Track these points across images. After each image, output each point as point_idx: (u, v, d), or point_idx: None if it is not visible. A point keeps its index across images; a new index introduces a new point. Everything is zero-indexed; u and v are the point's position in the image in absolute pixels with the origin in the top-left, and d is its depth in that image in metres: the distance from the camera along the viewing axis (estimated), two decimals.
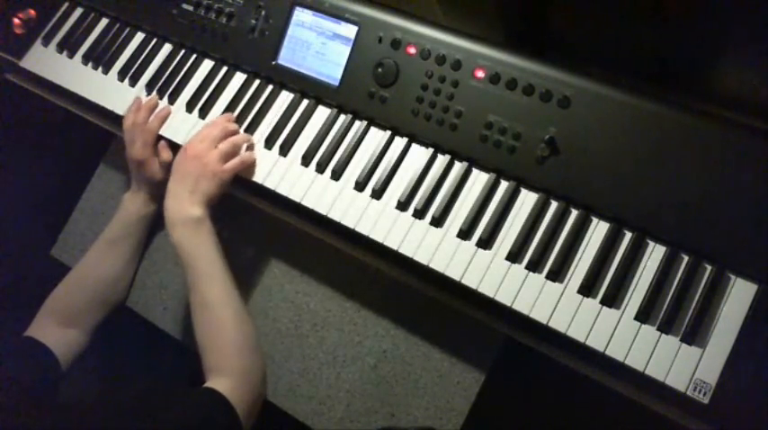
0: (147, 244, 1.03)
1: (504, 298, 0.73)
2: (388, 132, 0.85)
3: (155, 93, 0.98)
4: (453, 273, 0.76)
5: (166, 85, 0.97)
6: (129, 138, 0.95)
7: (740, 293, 0.67)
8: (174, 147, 0.94)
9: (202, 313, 0.80)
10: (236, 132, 0.89)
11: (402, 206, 0.81)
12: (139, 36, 1.04)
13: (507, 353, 0.85)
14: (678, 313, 0.68)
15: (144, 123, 0.94)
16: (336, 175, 0.85)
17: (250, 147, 0.88)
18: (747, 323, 0.66)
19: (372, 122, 0.87)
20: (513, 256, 0.75)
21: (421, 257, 0.78)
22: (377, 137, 0.86)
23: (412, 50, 0.83)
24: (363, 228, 0.81)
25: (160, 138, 0.95)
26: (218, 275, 0.81)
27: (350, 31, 0.87)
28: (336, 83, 0.87)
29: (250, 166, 0.87)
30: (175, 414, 0.71)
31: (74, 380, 0.93)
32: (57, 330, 0.90)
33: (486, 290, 0.74)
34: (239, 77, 0.95)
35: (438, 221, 0.79)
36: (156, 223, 1.02)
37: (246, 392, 0.76)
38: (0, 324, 1.10)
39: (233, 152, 0.86)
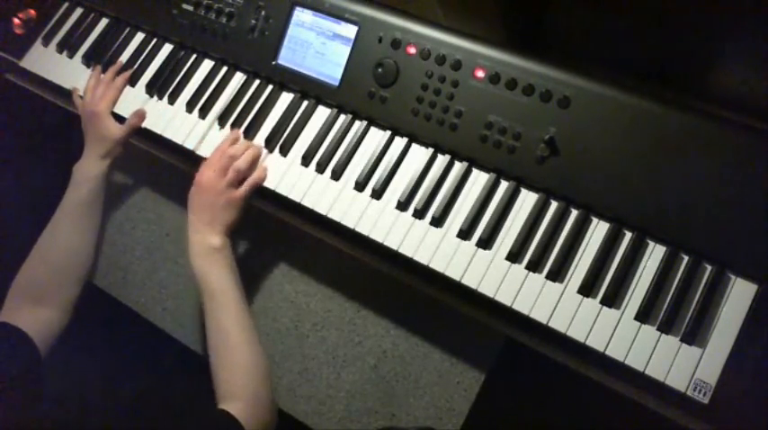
0: (105, 209, 1.03)
1: (504, 298, 0.73)
2: (388, 132, 0.85)
3: (120, 60, 1.00)
4: (453, 273, 0.76)
5: (166, 85, 0.98)
6: (87, 96, 0.98)
7: (740, 293, 0.67)
8: (175, 148, 0.94)
9: (218, 339, 0.81)
10: (244, 151, 0.88)
11: (402, 206, 0.81)
12: (139, 36, 1.04)
13: (507, 353, 0.85)
14: (678, 313, 0.68)
15: (109, 81, 0.98)
16: (336, 175, 0.85)
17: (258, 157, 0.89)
18: (747, 323, 0.66)
19: (372, 122, 0.87)
20: (513, 256, 0.75)
21: (421, 257, 0.78)
22: (377, 137, 0.86)
23: (412, 50, 0.83)
24: (363, 228, 0.81)
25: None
26: (234, 303, 0.83)
27: (350, 31, 0.87)
28: (336, 83, 0.87)
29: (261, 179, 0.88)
30: None
31: (73, 381, 0.93)
32: (28, 311, 0.89)
33: (486, 290, 0.74)
34: (239, 77, 0.95)
35: (438, 221, 0.79)
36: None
37: (258, 416, 0.76)
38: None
39: (244, 174, 0.87)
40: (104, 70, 1.02)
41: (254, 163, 0.88)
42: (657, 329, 0.68)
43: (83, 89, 1.01)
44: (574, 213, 0.75)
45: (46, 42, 1.07)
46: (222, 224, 0.85)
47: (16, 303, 0.91)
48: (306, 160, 0.87)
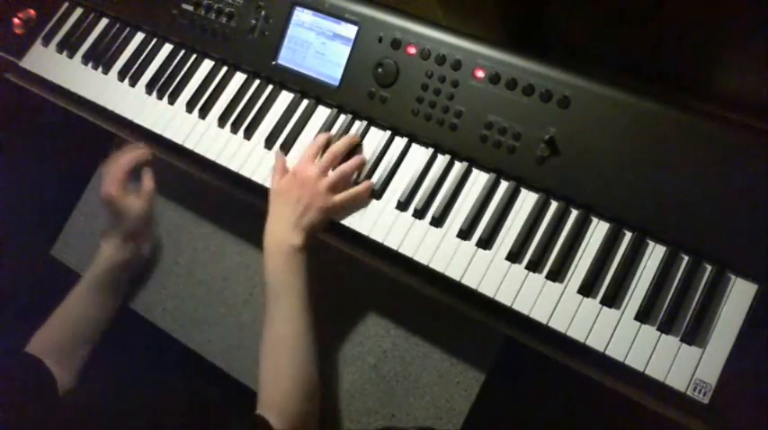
0: (126, 289, 1.00)
1: (504, 298, 0.73)
2: (388, 132, 0.85)
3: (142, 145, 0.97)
4: (453, 273, 0.76)
5: (166, 85, 0.97)
6: (107, 177, 0.94)
7: (740, 293, 0.67)
8: (175, 148, 0.94)
9: (273, 349, 0.77)
10: (346, 148, 0.84)
11: (402, 206, 0.81)
12: (139, 36, 1.04)
13: (507, 353, 0.85)
14: (678, 313, 0.68)
15: (116, 159, 0.94)
16: None
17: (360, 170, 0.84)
18: (747, 323, 0.66)
19: (372, 122, 0.87)
20: (513, 256, 0.75)
21: (421, 257, 0.78)
22: (377, 137, 0.86)
23: (412, 50, 0.83)
24: (363, 228, 0.81)
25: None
26: (303, 313, 0.78)
27: (350, 31, 0.87)
28: (336, 83, 0.87)
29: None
30: None
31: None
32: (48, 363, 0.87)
33: (486, 290, 0.74)
34: (239, 77, 0.95)
35: (438, 221, 0.79)
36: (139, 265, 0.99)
37: None
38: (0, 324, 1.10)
39: (343, 182, 0.82)
40: (105, 70, 1.02)
41: (357, 168, 0.83)
42: (657, 329, 0.68)
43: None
44: (574, 213, 0.75)
45: (46, 42, 1.07)
46: (309, 225, 0.80)
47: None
48: None
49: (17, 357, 0.85)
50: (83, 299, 0.93)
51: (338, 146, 0.84)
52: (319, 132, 0.88)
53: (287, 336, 0.77)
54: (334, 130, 0.88)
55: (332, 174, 0.81)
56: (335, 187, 0.81)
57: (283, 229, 0.80)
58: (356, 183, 0.83)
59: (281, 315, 0.78)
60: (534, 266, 0.74)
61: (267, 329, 0.78)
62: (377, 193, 0.82)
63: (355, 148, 0.86)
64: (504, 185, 0.79)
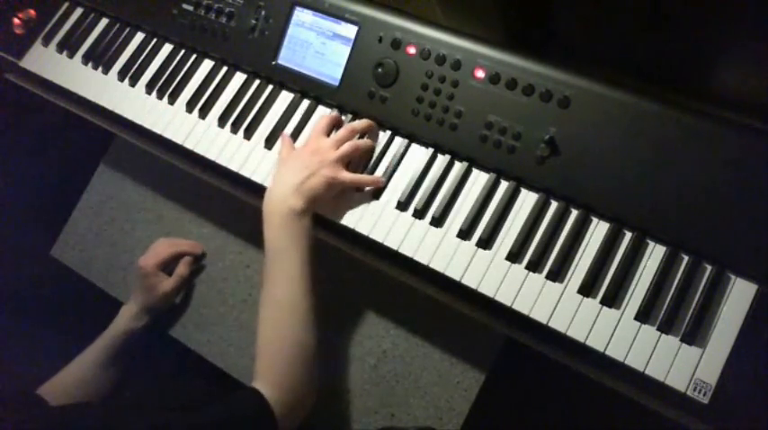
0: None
1: (504, 298, 0.73)
2: (389, 132, 0.85)
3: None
4: (453, 273, 0.76)
5: (166, 85, 0.97)
6: (152, 250, 0.98)
7: (740, 293, 0.67)
8: (176, 148, 0.94)
9: (270, 311, 0.75)
10: (366, 127, 0.84)
11: (402, 206, 0.81)
12: (139, 36, 1.04)
13: (507, 353, 0.85)
14: (678, 313, 0.68)
15: (170, 240, 1.00)
16: None
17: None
18: (747, 323, 0.66)
19: None
20: (513, 256, 0.75)
21: (421, 257, 0.78)
22: (377, 137, 0.86)
23: (412, 50, 0.83)
24: (363, 229, 0.81)
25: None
26: (300, 277, 0.76)
27: (350, 31, 0.87)
28: (336, 83, 0.87)
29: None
30: (216, 406, 0.69)
31: None
32: None
33: (486, 290, 0.74)
34: (239, 77, 0.95)
35: (438, 221, 0.79)
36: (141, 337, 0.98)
37: (290, 403, 0.72)
38: (0, 325, 1.10)
39: (354, 157, 0.82)
40: (105, 70, 1.02)
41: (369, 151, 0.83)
42: (657, 329, 0.68)
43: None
44: (574, 213, 0.75)
45: (46, 42, 1.07)
46: (312, 191, 0.78)
47: None
48: None
49: (25, 398, 0.84)
50: (93, 360, 0.93)
51: (359, 123, 0.84)
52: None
53: (285, 300, 0.75)
54: (334, 131, 0.87)
55: (345, 146, 0.80)
56: (346, 160, 0.81)
57: (283, 192, 0.78)
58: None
59: (278, 278, 0.76)
60: (534, 266, 0.74)
61: (264, 290, 0.77)
62: (377, 193, 0.82)
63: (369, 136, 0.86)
64: (504, 185, 0.79)
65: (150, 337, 0.98)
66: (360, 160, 0.84)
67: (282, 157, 0.84)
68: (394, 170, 0.83)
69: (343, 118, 0.88)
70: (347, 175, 0.80)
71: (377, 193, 0.82)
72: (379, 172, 0.84)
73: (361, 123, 0.84)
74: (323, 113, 0.89)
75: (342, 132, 0.82)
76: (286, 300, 0.75)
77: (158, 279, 0.95)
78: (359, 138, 0.84)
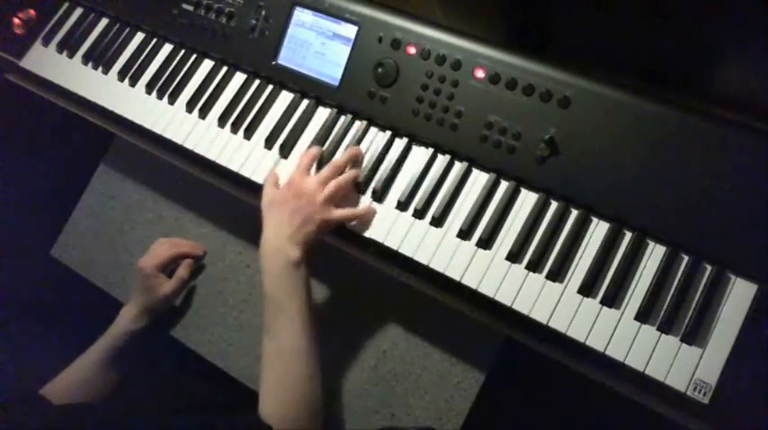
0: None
1: (504, 298, 0.73)
2: (389, 132, 0.85)
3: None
4: (453, 273, 0.76)
5: (166, 85, 0.98)
6: (152, 251, 0.98)
7: (740, 293, 0.67)
8: (176, 148, 0.94)
9: (275, 359, 0.75)
10: (346, 162, 0.83)
11: (402, 206, 0.81)
12: (139, 36, 1.04)
13: (507, 353, 0.85)
14: (678, 313, 0.68)
15: (171, 241, 0.99)
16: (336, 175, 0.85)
17: (358, 188, 0.83)
18: (747, 323, 0.66)
19: (372, 122, 0.87)
20: (513, 256, 0.75)
21: (421, 257, 0.78)
22: (377, 137, 0.86)
23: (412, 50, 0.83)
24: (363, 229, 0.81)
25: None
26: (302, 326, 0.76)
27: (350, 31, 0.87)
28: (336, 83, 0.87)
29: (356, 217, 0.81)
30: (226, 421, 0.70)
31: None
32: None
33: (486, 290, 0.74)
34: (239, 77, 0.95)
35: (438, 221, 0.79)
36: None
37: None
38: (0, 325, 1.10)
39: (341, 194, 0.81)
40: (105, 70, 1.02)
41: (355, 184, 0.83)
42: (657, 329, 0.68)
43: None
44: (574, 213, 0.75)
45: (46, 42, 1.07)
46: (306, 237, 0.77)
47: None
48: None
49: (29, 399, 0.84)
50: (94, 361, 0.92)
51: (341, 159, 0.83)
52: (319, 132, 0.88)
53: (289, 349, 0.75)
54: (334, 131, 0.88)
55: (330, 186, 0.79)
56: (333, 200, 0.80)
57: (279, 243, 0.77)
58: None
59: (282, 330, 0.76)
60: (534, 266, 0.74)
61: (267, 339, 0.76)
62: (377, 194, 0.82)
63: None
64: (504, 185, 0.79)
65: (150, 337, 0.98)
66: (349, 189, 0.82)
67: (268, 200, 0.81)
68: (394, 170, 0.83)
69: (342, 117, 0.88)
70: (338, 214, 0.79)
71: (378, 195, 0.82)
72: (380, 172, 0.83)
73: (343, 159, 0.83)
74: (323, 113, 0.89)
75: (325, 172, 0.81)
76: (289, 350, 0.75)
77: (158, 280, 0.95)
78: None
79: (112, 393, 0.94)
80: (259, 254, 0.78)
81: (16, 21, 1.09)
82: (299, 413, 0.74)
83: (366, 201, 0.83)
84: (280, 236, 0.78)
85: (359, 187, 0.83)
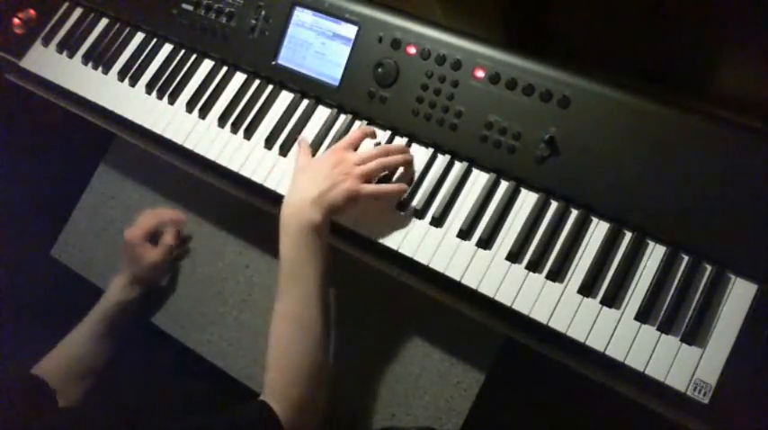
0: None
1: (504, 298, 0.73)
2: (389, 132, 0.85)
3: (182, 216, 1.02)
4: (453, 273, 0.76)
5: (166, 85, 0.98)
6: (137, 222, 0.98)
7: (740, 293, 0.67)
8: (176, 148, 0.94)
9: (282, 326, 0.73)
10: (399, 155, 0.81)
11: (402, 206, 0.81)
12: (139, 36, 1.04)
13: (507, 353, 0.85)
14: (678, 313, 0.68)
15: (154, 211, 0.99)
16: None
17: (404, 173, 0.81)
18: (747, 323, 0.66)
19: (372, 122, 0.86)
20: (513, 256, 0.75)
21: (421, 257, 0.77)
22: (377, 137, 0.86)
23: (412, 50, 0.83)
24: (363, 229, 0.81)
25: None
26: (314, 294, 0.74)
27: (350, 31, 0.87)
28: (336, 83, 0.87)
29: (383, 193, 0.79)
30: (223, 417, 0.69)
31: None
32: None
33: (486, 290, 0.74)
34: (239, 77, 0.95)
35: (438, 221, 0.79)
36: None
37: (300, 425, 0.70)
38: (0, 325, 1.10)
39: (378, 173, 0.79)
40: (105, 70, 1.02)
41: (402, 168, 0.81)
42: (657, 329, 0.68)
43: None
44: (574, 213, 0.75)
45: (46, 42, 1.07)
46: (330, 204, 0.75)
47: None
48: None
49: (21, 378, 0.85)
50: (87, 334, 0.93)
51: (395, 148, 0.80)
52: (319, 132, 0.88)
53: (297, 316, 0.73)
54: (334, 131, 0.88)
55: (372, 163, 0.77)
56: (369, 178, 0.78)
57: (303, 203, 0.75)
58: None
59: (294, 293, 0.74)
60: (534, 266, 0.74)
61: (277, 304, 0.74)
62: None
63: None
64: (504, 185, 0.79)
65: (150, 337, 0.98)
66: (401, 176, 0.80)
67: (301, 165, 0.81)
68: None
69: (342, 117, 0.88)
70: (369, 189, 0.77)
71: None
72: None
73: (399, 151, 0.80)
74: (323, 113, 0.89)
75: (377, 151, 0.79)
76: (301, 318, 0.73)
77: (145, 249, 0.96)
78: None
79: (103, 369, 0.94)
80: (280, 215, 0.76)
81: (16, 21, 1.09)
82: (306, 381, 0.72)
83: None
84: (304, 198, 0.75)
85: None
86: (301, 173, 0.80)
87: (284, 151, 0.88)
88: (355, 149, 0.82)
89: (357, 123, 0.87)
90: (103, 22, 1.07)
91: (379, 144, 0.84)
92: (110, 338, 0.95)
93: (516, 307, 0.72)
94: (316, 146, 0.87)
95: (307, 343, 0.73)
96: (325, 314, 0.75)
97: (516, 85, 0.77)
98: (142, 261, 0.96)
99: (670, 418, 0.68)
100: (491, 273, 0.75)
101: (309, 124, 0.89)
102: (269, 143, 0.89)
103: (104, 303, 0.95)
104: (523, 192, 0.78)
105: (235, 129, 0.92)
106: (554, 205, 0.76)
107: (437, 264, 0.77)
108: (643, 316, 0.69)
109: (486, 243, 0.76)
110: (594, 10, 0.85)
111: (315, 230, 0.74)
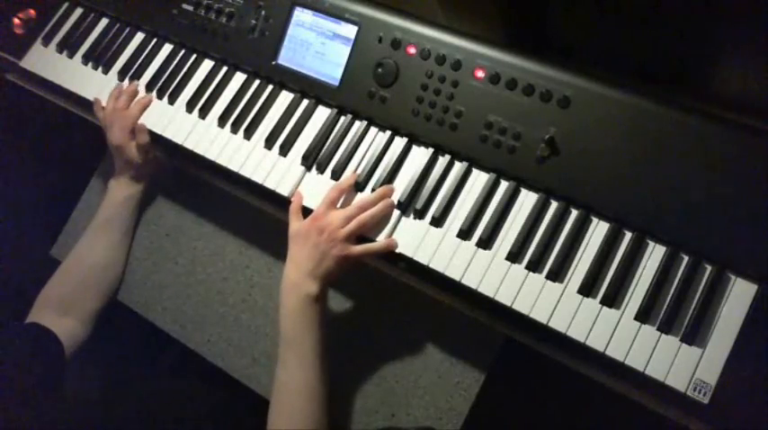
0: (135, 227, 1.04)
1: (504, 298, 0.73)
2: (389, 132, 0.85)
3: (136, 81, 1.00)
4: (453, 273, 0.76)
5: (166, 85, 0.98)
6: (108, 123, 0.97)
7: (740, 293, 0.67)
8: (176, 148, 0.94)
9: (284, 393, 0.77)
10: (375, 202, 0.81)
11: (402, 206, 0.81)
12: (139, 36, 1.04)
13: (507, 353, 0.85)
14: (678, 313, 0.68)
15: (124, 109, 0.96)
16: (336, 175, 0.85)
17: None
18: (747, 323, 0.66)
19: (372, 122, 0.87)
20: (513, 256, 0.75)
21: (421, 257, 0.77)
22: (377, 137, 0.86)
23: (412, 50, 0.83)
24: (363, 230, 0.81)
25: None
26: (314, 363, 0.77)
27: (350, 31, 0.87)
28: (336, 83, 0.87)
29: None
30: None
31: (73, 379, 0.93)
32: (53, 320, 0.90)
33: (486, 290, 0.74)
34: (239, 77, 0.95)
35: (438, 221, 0.79)
36: (143, 207, 1.04)
37: None
38: (0, 325, 1.10)
39: (360, 231, 0.80)
40: (105, 70, 1.02)
41: (381, 221, 0.81)
42: (657, 329, 0.68)
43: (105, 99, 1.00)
44: (574, 213, 0.75)
45: (46, 42, 1.07)
46: (326, 273, 0.78)
47: (42, 312, 0.92)
48: (306, 160, 0.87)
49: (22, 329, 0.87)
50: (94, 241, 0.96)
51: (369, 198, 0.81)
52: (319, 132, 0.88)
53: (299, 385, 0.76)
54: (334, 131, 0.88)
55: (351, 225, 0.79)
56: (354, 237, 0.79)
57: (299, 276, 0.78)
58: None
59: (294, 362, 0.77)
60: (534, 266, 0.74)
61: (279, 371, 0.78)
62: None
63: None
64: (504, 185, 0.79)
65: (150, 337, 0.98)
66: (372, 227, 0.81)
67: (292, 233, 0.82)
68: (394, 170, 0.83)
69: (342, 117, 0.88)
70: (358, 251, 0.79)
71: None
72: (379, 172, 0.83)
73: (372, 197, 0.81)
74: (323, 113, 0.89)
75: (351, 209, 0.80)
76: (301, 386, 0.76)
77: (133, 146, 0.96)
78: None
79: (117, 280, 1.00)
80: (281, 285, 0.80)
81: (16, 21, 1.09)
82: None
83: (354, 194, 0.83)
84: (300, 270, 0.78)
85: (359, 187, 0.83)
86: (294, 243, 0.81)
87: (284, 151, 0.88)
88: (336, 205, 0.82)
89: (357, 123, 0.87)
90: (103, 22, 1.07)
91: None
92: (120, 239, 0.98)
93: (516, 307, 0.72)
94: (315, 147, 0.87)
95: (309, 412, 0.75)
96: (326, 378, 0.78)
97: (516, 85, 0.77)
98: (131, 152, 0.96)
99: (670, 418, 0.68)
100: (491, 273, 0.75)
101: (309, 124, 0.89)
102: (269, 143, 0.89)
103: (110, 203, 0.98)
104: (523, 192, 0.78)
105: (235, 129, 0.92)
106: (554, 205, 0.76)
107: (437, 265, 0.77)
108: (643, 316, 0.69)
109: (486, 243, 0.76)
110: (594, 10, 0.85)
111: (312, 301, 0.78)
